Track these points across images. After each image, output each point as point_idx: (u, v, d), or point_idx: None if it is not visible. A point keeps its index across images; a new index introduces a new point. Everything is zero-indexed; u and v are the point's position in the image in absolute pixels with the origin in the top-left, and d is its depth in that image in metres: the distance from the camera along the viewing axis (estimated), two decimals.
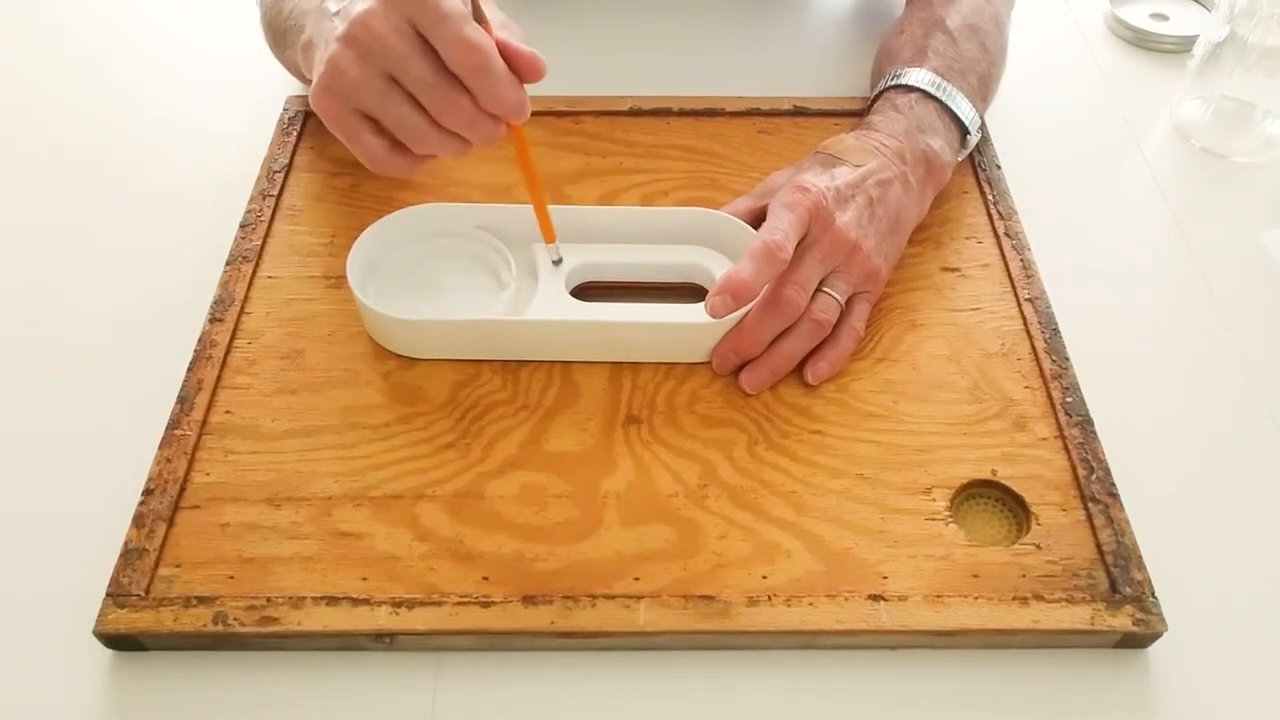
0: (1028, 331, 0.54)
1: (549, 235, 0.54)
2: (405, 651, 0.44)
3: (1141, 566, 0.45)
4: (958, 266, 0.58)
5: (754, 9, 0.77)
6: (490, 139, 0.45)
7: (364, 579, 0.45)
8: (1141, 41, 0.75)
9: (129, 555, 0.45)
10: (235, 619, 0.43)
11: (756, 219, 0.55)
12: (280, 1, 0.58)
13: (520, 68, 0.44)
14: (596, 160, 0.64)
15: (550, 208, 0.54)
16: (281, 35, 0.58)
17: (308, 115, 0.66)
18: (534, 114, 0.45)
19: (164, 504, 0.47)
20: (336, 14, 0.45)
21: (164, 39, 0.76)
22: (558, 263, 0.55)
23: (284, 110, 0.66)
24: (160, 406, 0.50)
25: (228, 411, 0.51)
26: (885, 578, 0.45)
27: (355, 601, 0.44)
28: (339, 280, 0.56)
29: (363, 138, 0.45)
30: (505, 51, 0.43)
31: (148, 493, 0.47)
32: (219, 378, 0.52)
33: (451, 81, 0.43)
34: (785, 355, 0.52)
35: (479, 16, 0.43)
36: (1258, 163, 0.67)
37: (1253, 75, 0.65)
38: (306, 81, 0.54)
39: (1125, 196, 0.65)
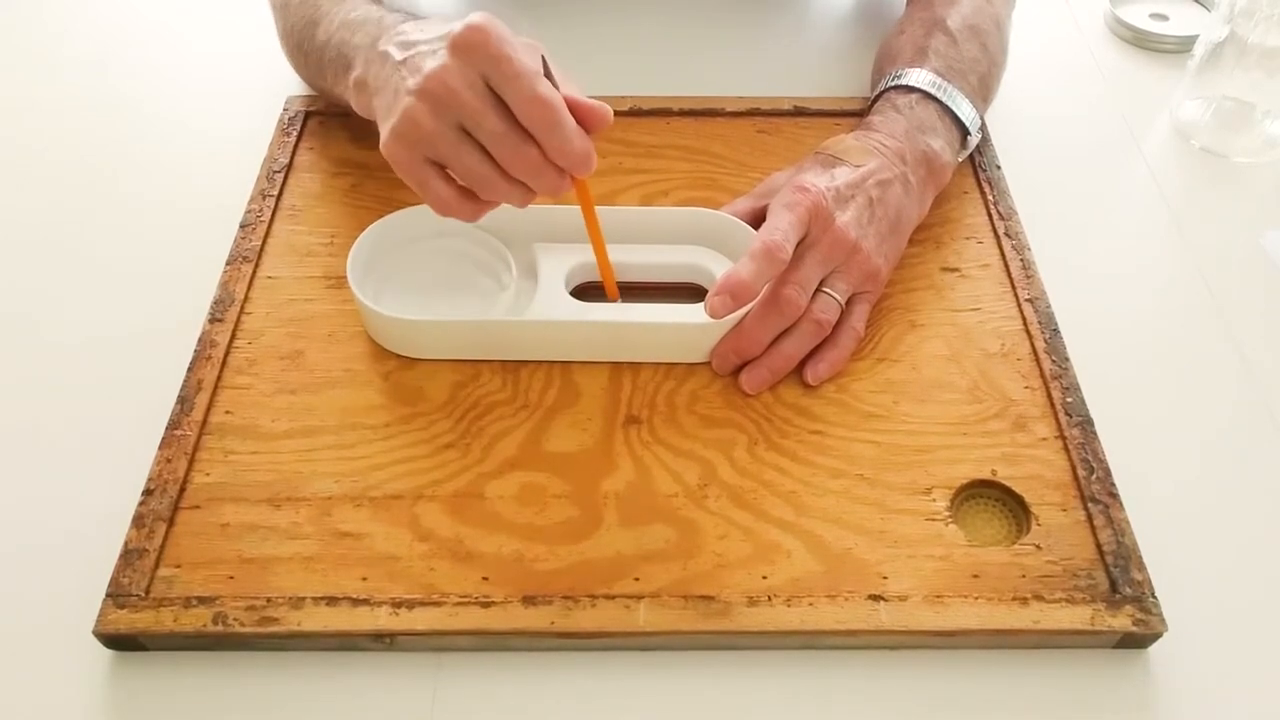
0: (1028, 331, 0.54)
1: (612, 292, 0.54)
2: (405, 651, 0.44)
3: (1141, 566, 0.45)
4: (958, 266, 0.58)
5: (754, 9, 0.77)
6: (556, 189, 0.46)
7: (364, 579, 0.45)
8: (1141, 41, 0.75)
9: (129, 555, 0.45)
10: (235, 619, 0.43)
11: (756, 219, 0.55)
12: (313, 26, 0.58)
13: (587, 120, 0.45)
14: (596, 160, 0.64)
15: (549, 207, 0.54)
16: (317, 61, 0.58)
17: (308, 115, 0.66)
18: None
19: (164, 504, 0.47)
20: (402, 63, 0.47)
21: (164, 39, 0.76)
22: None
23: (284, 110, 0.66)
24: (160, 406, 0.50)
25: (228, 411, 0.51)
26: (885, 578, 0.45)
27: (355, 602, 0.44)
28: (339, 280, 0.56)
29: (432, 184, 0.47)
30: (572, 105, 0.44)
31: (148, 493, 0.47)
32: (219, 378, 0.52)
33: (521, 133, 0.44)
34: (785, 355, 0.52)
35: (548, 73, 0.45)
36: (1258, 163, 0.67)
37: (1253, 75, 0.65)
38: (338, 101, 0.58)
39: (1125, 196, 0.65)
